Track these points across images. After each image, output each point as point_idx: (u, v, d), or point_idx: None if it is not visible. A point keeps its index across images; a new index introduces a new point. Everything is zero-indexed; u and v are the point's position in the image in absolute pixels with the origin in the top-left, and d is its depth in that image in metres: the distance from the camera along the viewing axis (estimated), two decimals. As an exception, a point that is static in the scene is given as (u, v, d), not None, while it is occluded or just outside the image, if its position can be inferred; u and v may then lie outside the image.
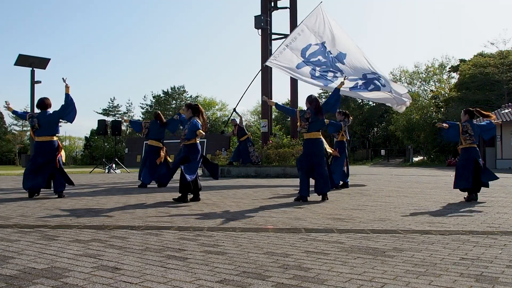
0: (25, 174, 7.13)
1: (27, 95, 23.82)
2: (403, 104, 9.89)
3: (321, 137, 6.69)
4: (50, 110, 7.23)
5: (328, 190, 6.64)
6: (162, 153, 9.43)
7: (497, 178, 6.83)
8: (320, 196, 6.61)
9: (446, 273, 2.55)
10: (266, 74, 16.90)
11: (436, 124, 7.31)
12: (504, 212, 5.33)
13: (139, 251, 3.12)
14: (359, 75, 9.40)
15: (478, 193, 6.66)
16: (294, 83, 17.33)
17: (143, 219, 4.67)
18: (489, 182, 6.77)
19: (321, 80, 9.13)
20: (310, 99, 6.71)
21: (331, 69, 9.28)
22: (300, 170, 6.61)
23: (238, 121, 14.61)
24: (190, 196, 6.58)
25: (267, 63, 9.26)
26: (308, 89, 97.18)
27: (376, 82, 9.36)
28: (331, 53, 9.43)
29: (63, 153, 7.31)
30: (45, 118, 7.09)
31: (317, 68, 9.23)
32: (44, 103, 7.17)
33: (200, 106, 6.75)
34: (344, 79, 7.33)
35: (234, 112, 12.90)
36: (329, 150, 7.16)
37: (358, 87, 9.37)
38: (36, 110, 7.56)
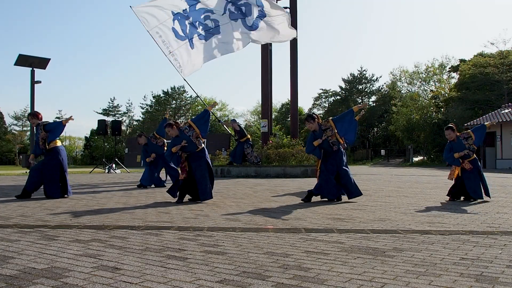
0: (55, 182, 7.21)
1: (27, 95, 23.83)
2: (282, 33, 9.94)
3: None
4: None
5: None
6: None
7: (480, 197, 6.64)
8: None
9: (446, 273, 2.55)
10: (266, 74, 16.90)
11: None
12: (504, 212, 5.32)
13: (139, 251, 3.12)
14: (222, 9, 9.63)
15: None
16: (294, 83, 17.33)
17: (143, 219, 4.67)
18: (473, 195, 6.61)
19: (214, 34, 9.48)
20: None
21: (202, 17, 9.59)
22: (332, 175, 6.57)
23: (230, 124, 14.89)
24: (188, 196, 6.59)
25: (186, 78, 9.86)
26: (308, 89, 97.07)
27: (244, 8, 9.65)
28: (186, 10, 9.63)
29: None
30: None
31: (198, 30, 9.63)
32: (39, 116, 7.33)
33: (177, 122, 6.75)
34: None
35: (219, 122, 13.42)
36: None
37: (235, 15, 9.60)
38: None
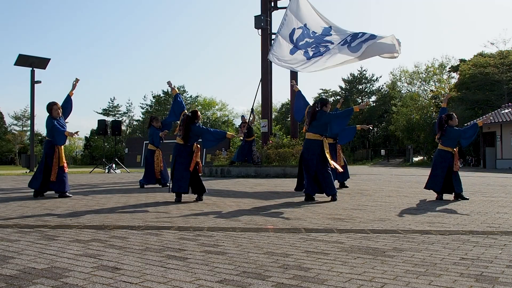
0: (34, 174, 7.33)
1: (27, 95, 23.83)
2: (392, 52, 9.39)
3: (320, 139, 6.54)
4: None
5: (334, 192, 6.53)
6: (159, 158, 9.44)
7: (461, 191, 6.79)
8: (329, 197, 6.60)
9: (446, 273, 2.55)
10: (266, 74, 16.89)
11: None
12: (504, 212, 5.32)
13: (139, 251, 3.12)
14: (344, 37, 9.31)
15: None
16: (294, 83, 17.32)
17: (143, 219, 4.67)
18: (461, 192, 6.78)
19: (316, 57, 9.11)
20: (323, 102, 6.62)
21: (322, 44, 9.30)
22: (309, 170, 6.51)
23: (247, 118, 14.08)
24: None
25: (269, 57, 9.35)
26: (308, 90, 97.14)
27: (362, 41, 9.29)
28: (315, 33, 9.41)
29: (62, 153, 7.26)
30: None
31: (309, 49, 9.26)
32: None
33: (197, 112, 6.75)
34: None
35: (251, 112, 12.91)
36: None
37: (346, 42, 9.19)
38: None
